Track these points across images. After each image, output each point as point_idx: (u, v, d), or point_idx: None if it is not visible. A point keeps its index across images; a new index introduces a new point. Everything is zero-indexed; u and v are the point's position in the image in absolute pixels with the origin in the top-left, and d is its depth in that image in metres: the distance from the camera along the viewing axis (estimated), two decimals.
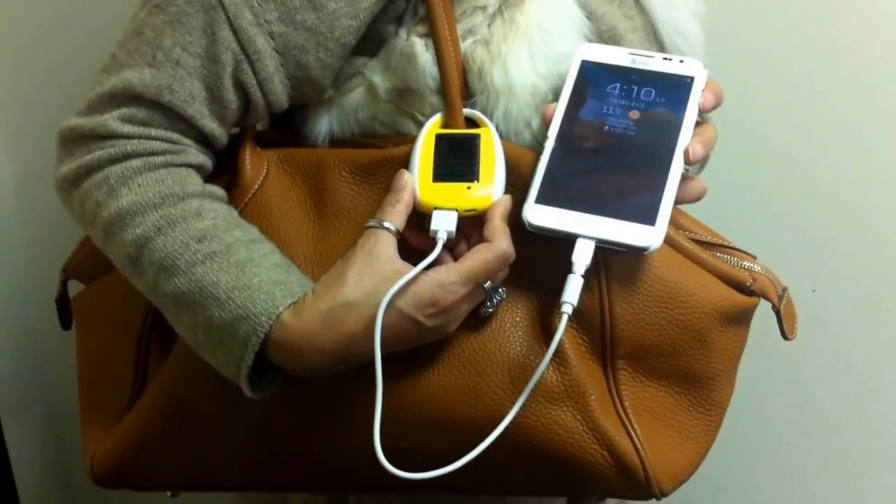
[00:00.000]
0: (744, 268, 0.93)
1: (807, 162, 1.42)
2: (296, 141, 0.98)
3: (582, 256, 0.83)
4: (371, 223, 0.86)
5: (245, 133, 0.96)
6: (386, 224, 0.85)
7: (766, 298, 0.93)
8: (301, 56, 0.90)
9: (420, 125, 0.93)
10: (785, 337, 0.94)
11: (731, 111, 0.98)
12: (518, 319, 0.90)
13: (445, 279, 0.83)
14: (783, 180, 1.44)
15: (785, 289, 0.94)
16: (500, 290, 0.89)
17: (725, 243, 0.94)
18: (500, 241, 0.85)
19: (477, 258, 0.84)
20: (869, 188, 1.42)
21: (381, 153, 0.93)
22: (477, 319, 0.89)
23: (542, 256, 0.89)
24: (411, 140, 0.92)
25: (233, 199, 0.93)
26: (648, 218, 0.83)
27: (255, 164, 0.95)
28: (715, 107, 0.90)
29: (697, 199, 0.92)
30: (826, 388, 1.55)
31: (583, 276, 0.83)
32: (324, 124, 0.97)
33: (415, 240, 0.89)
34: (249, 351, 0.82)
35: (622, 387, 0.90)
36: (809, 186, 1.44)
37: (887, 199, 1.43)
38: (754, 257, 0.94)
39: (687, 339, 0.89)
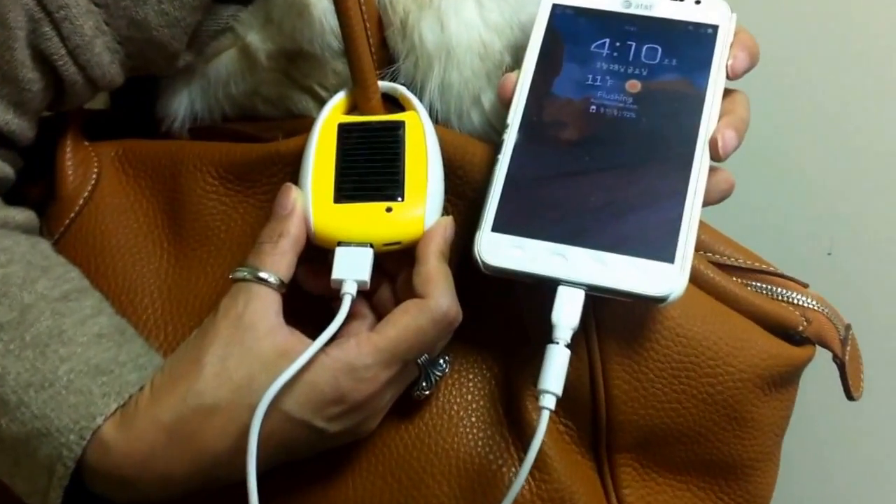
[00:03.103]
0: (793, 303, 0.64)
1: (822, 118, 1.26)
2: (143, 126, 0.71)
3: (567, 314, 0.55)
4: (240, 273, 0.57)
5: (66, 120, 0.68)
6: (263, 275, 0.56)
7: (825, 346, 0.65)
8: (135, 9, 0.62)
9: (322, 103, 0.66)
10: (850, 396, 0.66)
11: None
12: (469, 399, 0.62)
13: (357, 361, 0.55)
14: (796, 137, 1.26)
15: (848, 327, 0.67)
16: (442, 360, 0.61)
17: (763, 267, 0.66)
18: (439, 297, 0.56)
19: (405, 325, 0.56)
20: (887, 147, 1.25)
21: (263, 149, 0.66)
22: (409, 404, 0.61)
23: (502, 302, 0.62)
24: (309, 126, 0.64)
25: (49, 221, 0.67)
26: (664, 250, 0.56)
27: (82, 166, 0.68)
28: (748, 69, 0.62)
29: (722, 199, 0.63)
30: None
31: (569, 347, 0.54)
32: (182, 102, 0.70)
33: (311, 283, 0.61)
34: (55, 484, 0.54)
35: (625, 490, 0.63)
36: (824, 144, 1.27)
37: None
38: (805, 285, 0.66)
39: (716, 417, 0.62)
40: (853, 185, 1.28)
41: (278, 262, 0.57)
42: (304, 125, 0.66)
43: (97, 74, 0.62)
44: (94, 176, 0.67)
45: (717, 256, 0.65)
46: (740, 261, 0.65)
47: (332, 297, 0.58)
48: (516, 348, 0.62)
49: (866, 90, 1.23)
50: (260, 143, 0.66)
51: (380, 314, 0.61)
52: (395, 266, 0.61)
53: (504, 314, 0.62)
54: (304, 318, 0.59)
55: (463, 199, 0.62)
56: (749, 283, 0.65)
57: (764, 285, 0.65)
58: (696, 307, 0.62)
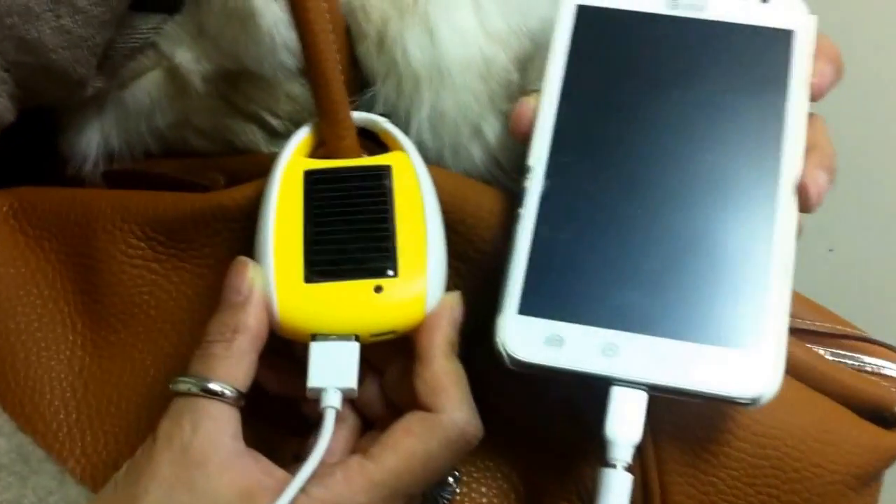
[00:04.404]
0: (884, 376, 0.51)
1: (825, 112, 1.22)
2: (45, 169, 0.57)
3: (626, 426, 0.42)
4: (183, 385, 0.42)
5: None
6: (214, 386, 0.42)
7: None
8: (25, 27, 0.48)
9: (276, 136, 0.54)
10: None
11: None
12: None
13: (347, 501, 0.40)
14: None
15: None
16: (451, 478, 0.48)
17: (846, 331, 0.52)
18: (452, 411, 0.42)
19: (409, 451, 0.42)
20: (890, 141, 1.21)
21: (202, 201, 0.51)
22: None
23: (511, 389, 0.48)
24: (261, 168, 0.49)
25: None
26: (750, 335, 0.42)
27: None
28: (832, 85, 0.48)
29: None
30: None
31: (628, 469, 0.41)
32: (93, 138, 0.56)
33: (276, 384, 0.47)
34: None
35: None
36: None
37: None
38: (893, 349, 0.53)
39: None
40: (855, 181, 1.13)
41: (234, 369, 0.43)
42: (249, 164, 0.53)
43: None
44: None
45: (791, 320, 0.51)
46: (818, 324, 0.52)
47: (303, 397, 0.44)
48: (535, 449, 0.49)
49: (867, 82, 1.13)
50: (197, 193, 0.51)
51: (364, 415, 0.47)
52: (389, 353, 0.47)
53: (515, 405, 0.49)
54: (267, 414, 0.45)
55: (466, 261, 0.49)
56: (830, 350, 0.52)
57: (847, 353, 0.52)
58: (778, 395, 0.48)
